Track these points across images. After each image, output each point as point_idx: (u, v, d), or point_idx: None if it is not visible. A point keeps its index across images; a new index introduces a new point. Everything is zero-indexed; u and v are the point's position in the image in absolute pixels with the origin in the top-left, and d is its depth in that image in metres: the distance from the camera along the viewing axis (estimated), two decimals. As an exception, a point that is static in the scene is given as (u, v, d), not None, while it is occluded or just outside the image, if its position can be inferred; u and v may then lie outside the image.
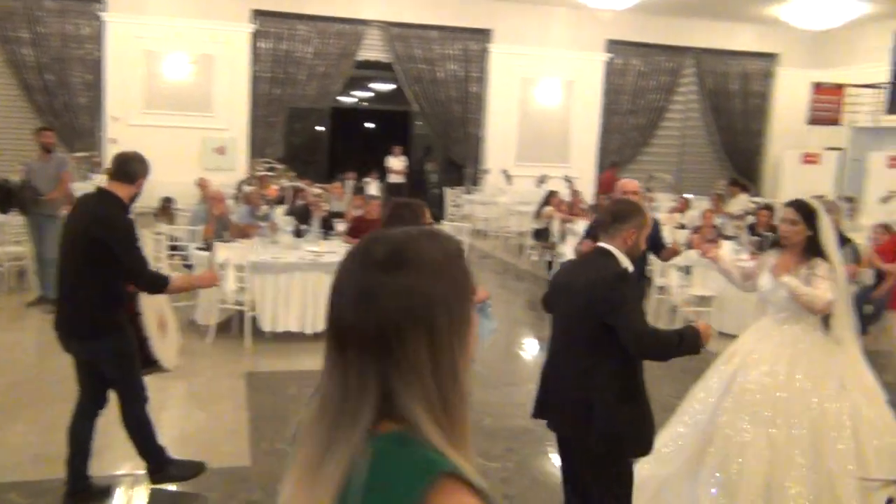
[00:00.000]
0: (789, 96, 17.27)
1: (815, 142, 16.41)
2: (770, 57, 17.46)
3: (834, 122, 15.96)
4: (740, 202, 13.31)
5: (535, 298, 7.55)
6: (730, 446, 3.61)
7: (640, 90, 16.83)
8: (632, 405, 2.83)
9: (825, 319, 3.74)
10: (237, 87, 14.74)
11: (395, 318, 1.05)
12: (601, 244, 2.97)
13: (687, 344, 2.87)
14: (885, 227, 7.79)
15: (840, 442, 3.52)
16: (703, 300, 7.67)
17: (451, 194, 15.59)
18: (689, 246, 7.57)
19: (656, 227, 6.11)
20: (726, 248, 8.58)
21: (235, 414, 5.56)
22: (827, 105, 15.98)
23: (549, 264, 11.09)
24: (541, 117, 16.47)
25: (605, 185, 14.16)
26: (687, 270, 7.96)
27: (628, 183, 5.80)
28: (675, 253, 5.91)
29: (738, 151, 17.51)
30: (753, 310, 4.39)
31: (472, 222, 13.43)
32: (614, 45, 16.53)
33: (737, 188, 14.28)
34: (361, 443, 1.04)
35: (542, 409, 3.08)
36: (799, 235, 3.68)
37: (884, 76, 16.12)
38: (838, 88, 15.94)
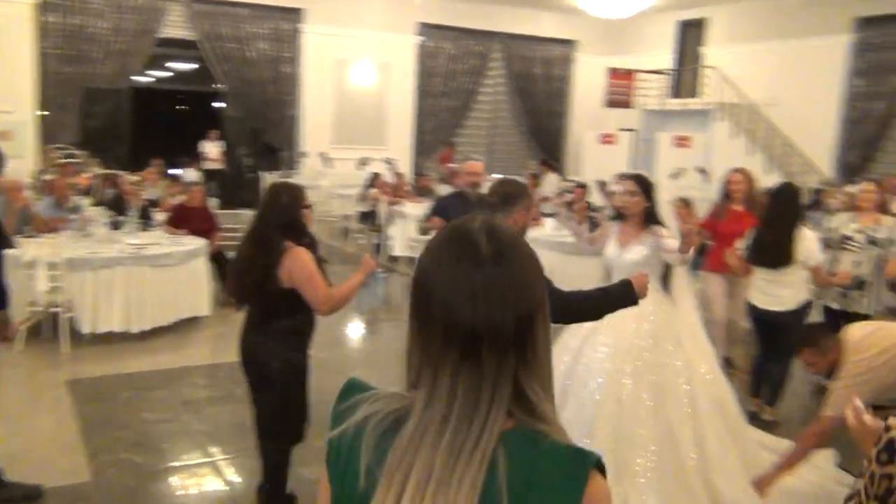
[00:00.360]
0: (587, 81, 18.46)
1: (612, 123, 17.69)
2: (570, 43, 18.54)
3: (627, 105, 17.29)
4: (551, 181, 14.07)
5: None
6: (584, 400, 3.88)
7: (451, 73, 17.23)
8: None
9: (665, 282, 4.10)
10: (20, 64, 13.30)
11: (526, 311, 1.05)
12: None
13: (616, 298, 2.96)
14: (684, 201, 8.57)
15: (677, 393, 3.90)
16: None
17: (268, 179, 15.13)
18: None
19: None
20: (548, 225, 9.09)
21: (62, 426, 5.08)
22: (621, 89, 17.26)
23: (377, 247, 11.13)
24: (356, 99, 16.39)
25: (442, 164, 14.43)
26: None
27: (473, 164, 5.95)
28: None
29: (543, 133, 18.48)
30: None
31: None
32: (426, 29, 16.78)
33: (546, 168, 15.07)
34: (495, 446, 1.01)
35: None
36: (638, 206, 4.01)
37: (668, 63, 17.72)
38: (630, 74, 17.26)
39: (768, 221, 4.85)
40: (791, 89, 14.76)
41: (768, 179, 13.98)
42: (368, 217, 11.53)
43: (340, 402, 1.18)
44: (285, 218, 3.35)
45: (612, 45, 18.58)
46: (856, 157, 14.13)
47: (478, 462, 0.99)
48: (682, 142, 15.89)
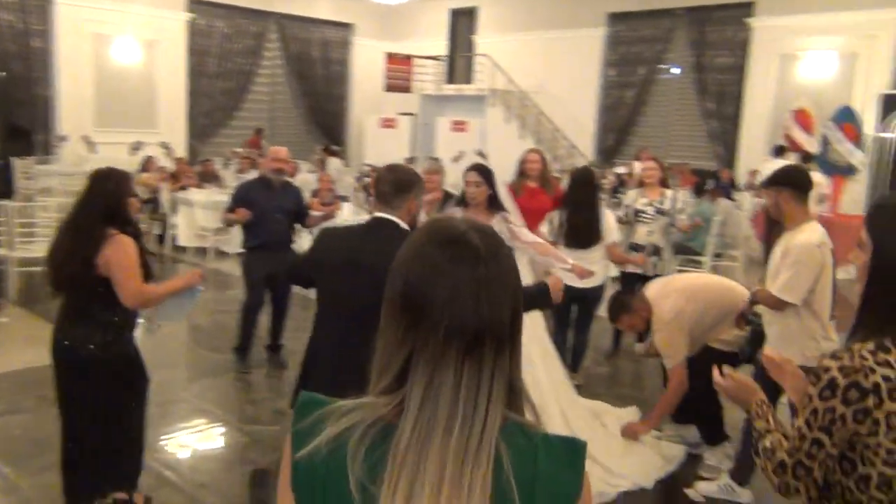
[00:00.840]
0: (366, 65, 18.56)
1: (392, 107, 17.95)
2: (347, 27, 18.49)
3: (405, 89, 17.64)
4: (333, 166, 13.98)
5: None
6: None
7: (226, 53, 16.49)
8: None
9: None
10: None
11: (517, 305, 1.07)
12: (381, 215, 2.70)
13: (534, 299, 2.91)
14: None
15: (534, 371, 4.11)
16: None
17: (20, 165, 13.51)
18: (308, 208, 7.83)
19: (299, 194, 6.14)
20: (346, 210, 9.05)
21: None
22: (399, 74, 17.57)
23: (161, 238, 10.42)
24: (121, 79, 15.12)
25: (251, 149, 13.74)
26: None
27: (279, 150, 5.75)
28: (325, 219, 6.03)
29: (324, 116, 18.32)
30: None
31: (55, 196, 11.85)
32: (197, 5, 15.87)
33: (328, 153, 14.96)
34: (497, 442, 1.01)
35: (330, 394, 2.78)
36: (483, 195, 4.12)
37: (443, 49, 18.31)
38: (407, 59, 17.62)
39: (576, 204, 5.17)
40: (556, 78, 15.92)
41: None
42: (149, 204, 10.73)
43: (300, 420, 1.10)
44: (109, 204, 3.07)
45: (389, 30, 18.83)
46: (612, 141, 15.61)
47: (485, 460, 0.99)
48: (459, 126, 16.55)
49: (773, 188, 3.58)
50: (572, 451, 1.07)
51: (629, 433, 4.34)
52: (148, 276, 3.20)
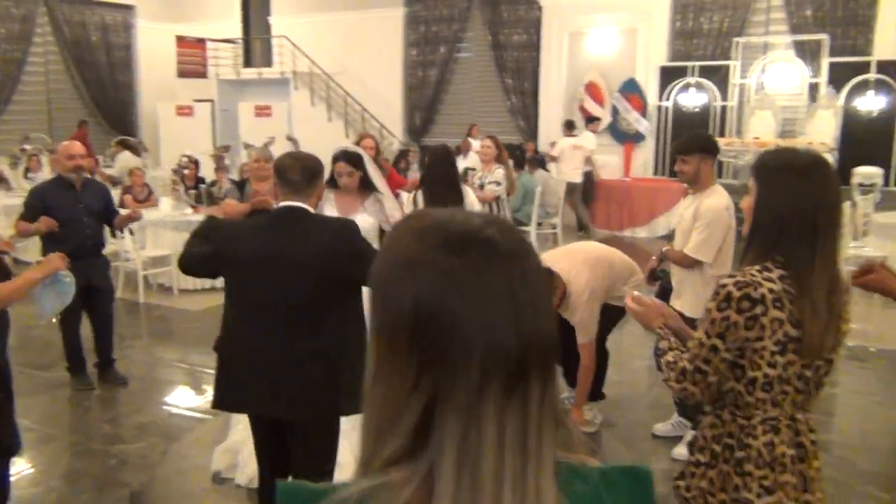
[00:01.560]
0: (154, 49, 17.33)
1: (187, 94, 16.95)
2: (127, 9, 17.14)
3: (201, 74, 16.74)
4: (125, 160, 12.91)
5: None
6: None
7: (-12, 40, 14.68)
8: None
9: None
10: None
11: (552, 316, 0.87)
12: (295, 203, 2.64)
13: None
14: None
15: None
16: (159, 260, 7.49)
17: None
18: (122, 205, 7.27)
19: (107, 192, 5.61)
20: (164, 205, 8.48)
21: None
22: (192, 58, 16.62)
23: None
24: None
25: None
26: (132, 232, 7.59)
27: (72, 145, 5.18)
28: (132, 219, 5.60)
29: (110, 105, 16.92)
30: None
31: None
32: (-53, -15, 13.97)
33: (121, 146, 13.85)
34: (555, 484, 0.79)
35: (251, 395, 2.63)
36: (356, 181, 4.03)
37: (238, 32, 17.56)
38: (200, 43, 16.70)
39: (438, 183, 5.15)
40: (359, 59, 15.83)
41: (350, 144, 14.98)
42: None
43: None
44: None
45: (176, 12, 17.70)
46: (419, 120, 15.86)
47: None
48: (262, 111, 16.01)
49: (698, 155, 3.82)
50: (637, 482, 0.90)
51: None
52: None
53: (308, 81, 16.03)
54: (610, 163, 13.13)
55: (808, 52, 12.27)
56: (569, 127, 12.68)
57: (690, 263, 3.85)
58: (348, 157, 4.08)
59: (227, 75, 16.87)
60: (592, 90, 13.96)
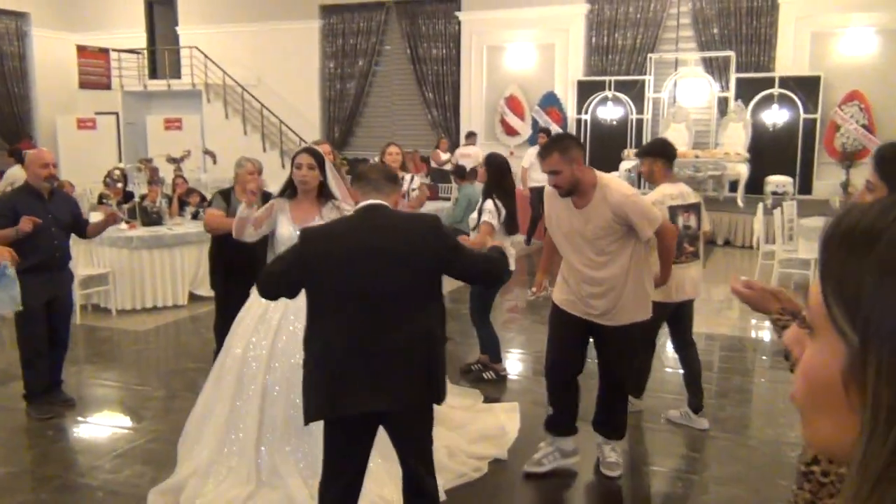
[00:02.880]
0: (51, 59, 16.39)
1: (88, 107, 16.08)
2: (21, 16, 16.13)
3: (104, 86, 15.95)
4: (13, 175, 12.03)
5: None
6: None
7: None
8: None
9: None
10: None
11: None
12: (378, 201, 2.71)
13: (500, 263, 2.98)
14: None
15: None
16: (95, 279, 7.05)
17: None
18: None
19: (75, 203, 5.35)
20: (94, 220, 7.96)
21: None
22: (94, 69, 15.83)
23: None
24: None
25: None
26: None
27: (44, 153, 4.84)
28: (109, 223, 5.28)
29: (4, 117, 15.86)
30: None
31: None
32: None
33: (13, 158, 12.92)
34: None
35: (357, 394, 2.59)
36: (316, 180, 3.86)
37: (143, 42, 16.85)
38: (103, 52, 15.92)
39: (507, 191, 5.22)
40: (275, 71, 15.50)
41: (268, 158, 14.63)
42: None
43: None
44: None
45: (74, 19, 16.80)
46: (338, 133, 15.67)
47: None
48: (172, 124, 15.40)
49: (650, 158, 4.07)
50: None
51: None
52: None
53: (221, 94, 15.56)
54: (533, 177, 13.34)
55: (716, 68, 12.95)
56: (468, 137, 12.99)
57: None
58: (313, 152, 3.92)
59: (132, 87, 16.13)
60: (513, 103, 14.22)
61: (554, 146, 3.55)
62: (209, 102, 15.68)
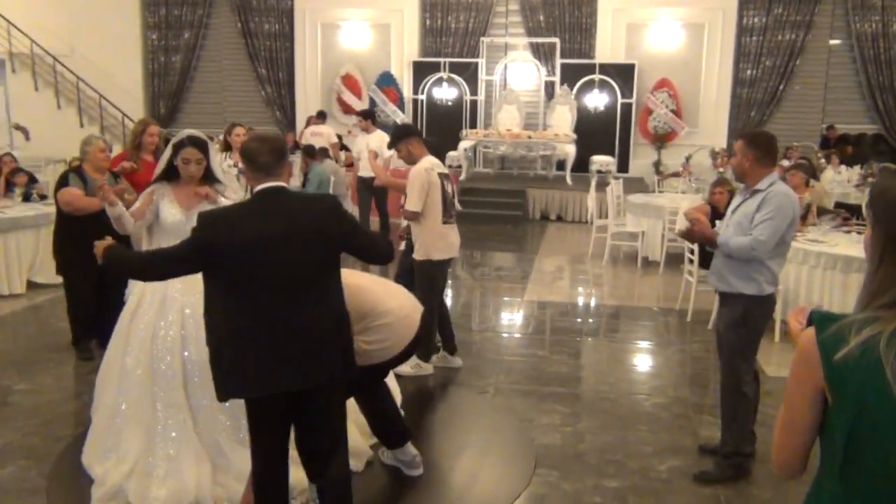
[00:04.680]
0: None
1: None
2: None
3: None
4: None
5: None
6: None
7: None
8: None
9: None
10: None
11: None
12: (276, 184, 2.68)
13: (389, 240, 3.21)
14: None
15: None
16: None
17: None
18: None
19: None
20: None
21: None
22: None
23: None
24: None
25: None
26: None
27: None
28: None
29: None
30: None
31: None
32: None
33: None
34: None
35: (273, 375, 2.60)
36: (202, 170, 3.81)
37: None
38: None
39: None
40: (91, 41, 14.36)
41: (85, 134, 13.65)
42: None
43: (822, 332, 1.39)
44: None
45: None
46: (164, 109, 14.91)
47: None
48: (-29, 96, 13.92)
49: (404, 140, 4.97)
50: None
51: None
52: None
53: (29, 63, 14.23)
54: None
55: (543, 54, 13.72)
56: (320, 116, 12.77)
57: (413, 217, 4.89)
58: (197, 143, 3.80)
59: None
60: (349, 82, 14.24)
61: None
62: (14, 73, 14.25)
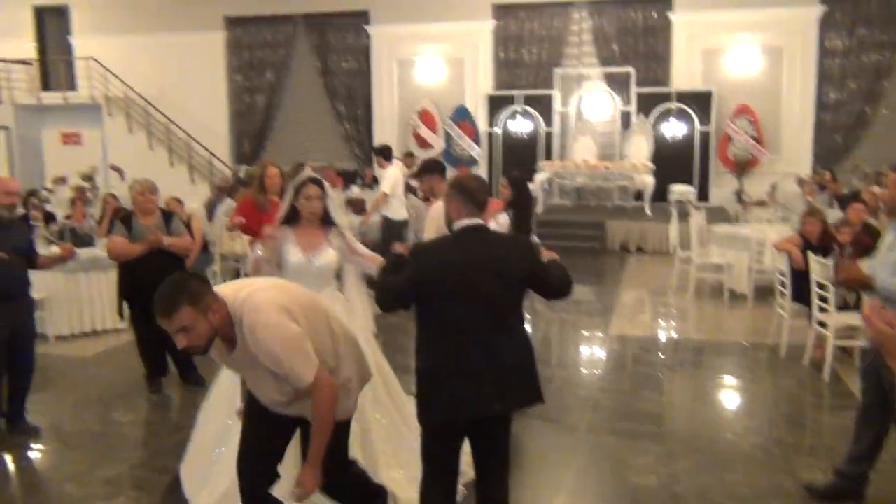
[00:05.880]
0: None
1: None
2: None
3: (-7, 98, 15.10)
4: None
5: None
6: None
7: None
8: None
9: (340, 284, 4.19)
10: None
11: None
12: (479, 221, 2.91)
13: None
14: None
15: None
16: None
17: None
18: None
19: (30, 231, 5.18)
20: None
21: None
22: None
23: None
24: None
25: None
26: None
27: (11, 181, 4.68)
28: (63, 259, 5.14)
29: None
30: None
31: None
32: None
33: None
34: None
35: (488, 397, 2.81)
36: (322, 209, 3.95)
37: (33, 52, 16.04)
38: (-10, 63, 15.07)
39: (526, 208, 5.73)
40: (180, 84, 15.12)
41: (175, 173, 14.30)
42: None
43: None
44: None
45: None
46: (248, 147, 15.49)
47: None
48: (71, 139, 14.81)
49: (428, 174, 4.99)
50: None
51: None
52: None
53: (123, 107, 15.04)
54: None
55: (617, 83, 13.69)
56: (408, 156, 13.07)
57: None
58: (316, 182, 3.98)
59: (23, 100, 15.32)
60: (425, 117, 14.49)
61: None
62: (111, 116, 15.13)
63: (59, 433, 4.85)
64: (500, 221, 5.52)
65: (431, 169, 5.11)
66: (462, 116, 14.29)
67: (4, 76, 15.15)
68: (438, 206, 4.68)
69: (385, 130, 14.72)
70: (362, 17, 14.68)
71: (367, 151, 14.89)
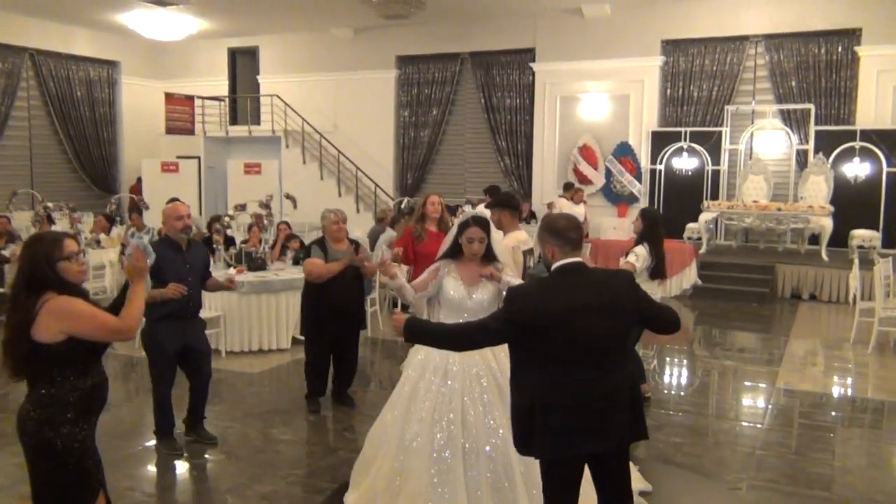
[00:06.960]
0: (138, 105, 17.22)
1: (170, 151, 16.74)
2: (112, 64, 16.98)
3: (188, 131, 16.60)
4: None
5: None
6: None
7: (-27, 92, 14.31)
8: None
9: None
10: None
11: None
12: (577, 259, 2.96)
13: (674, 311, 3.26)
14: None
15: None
16: (210, 321, 7.31)
17: None
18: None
19: (208, 253, 5.57)
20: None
21: None
22: (180, 115, 16.50)
23: None
24: None
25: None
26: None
27: (180, 206, 5.10)
28: (227, 288, 5.52)
29: (93, 161, 16.61)
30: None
31: None
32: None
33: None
34: None
35: (584, 437, 2.86)
36: (484, 249, 3.99)
37: (224, 89, 17.54)
38: (189, 99, 16.61)
39: (659, 241, 6.04)
40: (352, 118, 15.98)
41: (343, 203, 14.99)
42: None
43: None
44: (34, 273, 2.89)
45: (162, 68, 17.64)
46: (411, 179, 16.00)
47: None
48: (252, 169, 15.93)
49: (497, 208, 5.09)
50: None
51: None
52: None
53: (299, 140, 16.06)
54: (604, 224, 13.30)
55: (794, 121, 12.93)
56: (566, 188, 13.04)
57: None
58: (481, 223, 4.02)
59: (213, 132, 16.74)
60: (586, 153, 14.36)
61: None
62: (287, 148, 16.19)
63: (225, 445, 5.16)
64: (637, 252, 5.88)
65: (503, 204, 5.20)
66: (624, 152, 14.03)
67: (200, 111, 16.63)
68: (506, 246, 4.78)
69: (545, 165, 14.73)
70: (528, 54, 14.85)
71: (525, 186, 14.96)
